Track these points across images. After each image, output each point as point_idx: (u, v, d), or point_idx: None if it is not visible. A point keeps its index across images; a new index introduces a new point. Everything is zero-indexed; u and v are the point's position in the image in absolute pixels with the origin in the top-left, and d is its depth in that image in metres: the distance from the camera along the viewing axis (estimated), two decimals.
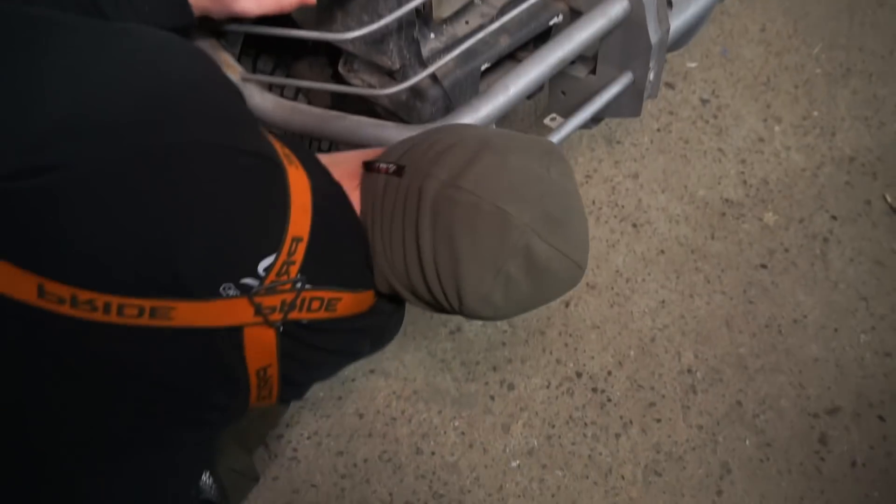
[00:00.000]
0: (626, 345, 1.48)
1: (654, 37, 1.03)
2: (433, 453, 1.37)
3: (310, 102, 1.06)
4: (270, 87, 1.02)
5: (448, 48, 0.98)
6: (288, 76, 1.14)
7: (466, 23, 1.03)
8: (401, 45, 0.90)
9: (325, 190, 0.68)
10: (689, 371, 1.45)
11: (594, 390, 1.43)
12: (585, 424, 1.39)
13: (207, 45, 0.86)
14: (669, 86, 1.84)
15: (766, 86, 1.86)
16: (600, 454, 1.36)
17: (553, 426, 1.39)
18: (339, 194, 0.71)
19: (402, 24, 0.89)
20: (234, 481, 1.19)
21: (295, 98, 1.10)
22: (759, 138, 1.77)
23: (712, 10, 1.20)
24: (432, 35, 1.01)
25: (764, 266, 1.58)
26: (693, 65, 1.89)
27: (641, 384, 1.44)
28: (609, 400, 1.42)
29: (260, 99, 0.92)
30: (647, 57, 1.04)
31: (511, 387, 1.43)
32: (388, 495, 1.33)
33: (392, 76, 0.99)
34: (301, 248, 0.63)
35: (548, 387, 1.43)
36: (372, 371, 1.45)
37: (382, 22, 0.79)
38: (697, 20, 1.16)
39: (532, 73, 0.94)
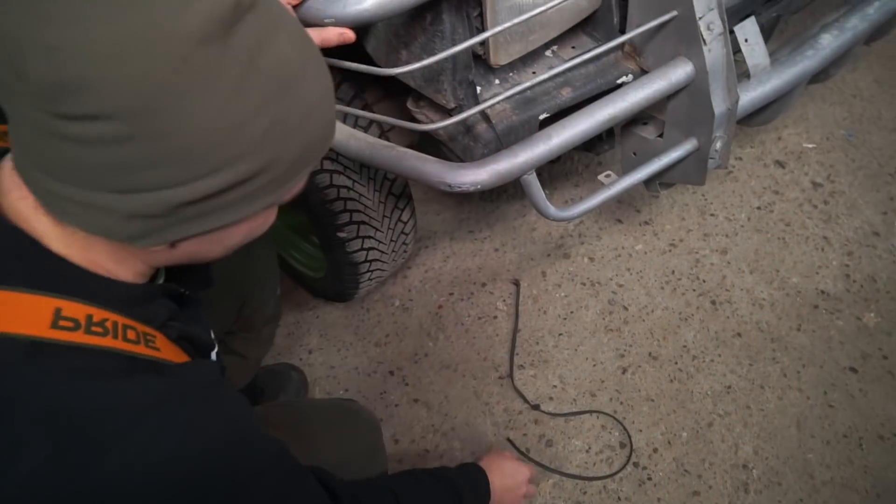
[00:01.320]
0: (679, 425, 1.40)
1: (719, 106, 1.00)
2: None
3: (386, 137, 1.14)
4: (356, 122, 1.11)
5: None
6: (368, 109, 1.23)
7: (533, 73, 1.07)
8: (454, 84, 0.95)
9: None
10: (745, 467, 1.34)
11: (636, 465, 1.36)
12: (619, 499, 1.32)
13: None
14: (779, 164, 1.75)
15: (893, 177, 1.72)
16: None
17: (584, 493, 1.34)
18: None
19: (456, 66, 0.94)
20: None
21: (380, 136, 1.17)
22: (873, 232, 1.63)
23: (800, 88, 1.14)
24: (497, 81, 1.05)
25: (854, 370, 1.44)
26: (810, 145, 1.79)
27: (688, 469, 1.35)
28: (650, 478, 1.34)
29: None
30: (710, 125, 1.02)
31: (549, 443, 1.40)
32: None
33: (451, 115, 1.04)
34: None
35: (587, 451, 1.38)
36: (416, 400, 1.48)
37: (427, 61, 0.85)
38: (781, 95, 1.11)
39: (578, 126, 0.95)
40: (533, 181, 0.96)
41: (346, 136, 1.01)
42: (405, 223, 1.33)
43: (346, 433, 1.00)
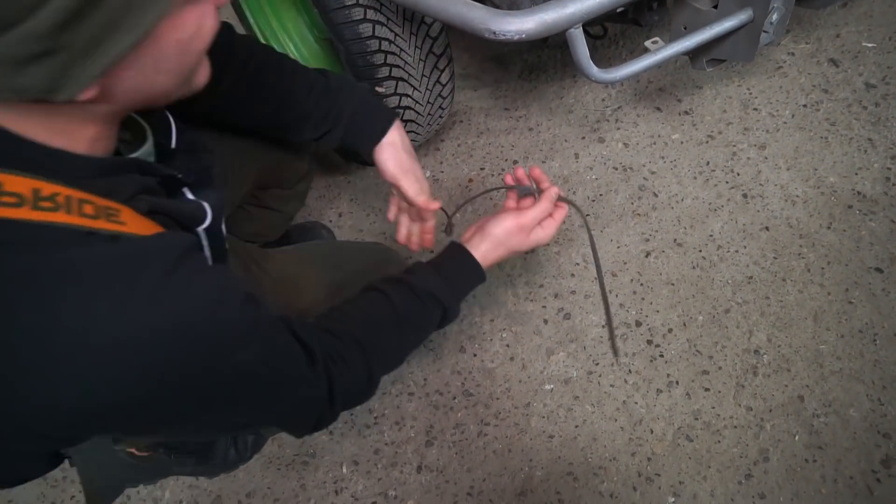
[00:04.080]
0: (696, 309, 1.43)
1: None
2: (475, 355, 1.43)
3: None
4: None
5: None
6: None
7: None
8: None
9: None
10: (756, 352, 1.38)
11: (649, 342, 1.40)
12: (629, 372, 1.38)
13: None
14: (833, 62, 1.69)
15: None
16: (636, 403, 1.35)
17: (596, 364, 1.39)
18: None
19: None
20: None
21: None
22: None
23: None
24: None
25: (879, 270, 1.44)
26: (870, 45, 1.71)
27: (700, 350, 1.39)
28: (661, 356, 1.39)
29: None
30: None
31: (567, 316, 1.44)
32: (422, 379, 1.41)
33: None
34: None
35: (603, 326, 1.43)
36: None
37: None
38: None
39: None
40: (579, 35, 0.95)
41: None
42: (443, 85, 1.32)
43: (381, 266, 1.04)
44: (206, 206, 0.71)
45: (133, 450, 0.91)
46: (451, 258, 0.94)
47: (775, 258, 1.47)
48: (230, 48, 0.86)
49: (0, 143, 0.51)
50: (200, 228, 0.71)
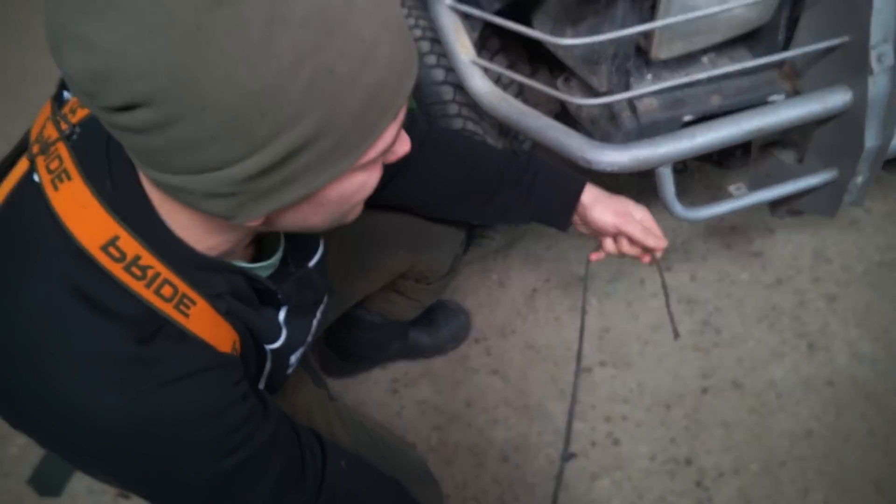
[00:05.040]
0: (750, 456, 1.39)
1: (870, 140, 1.00)
2: (517, 467, 1.41)
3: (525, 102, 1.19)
4: (498, 79, 1.17)
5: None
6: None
7: (686, 75, 1.09)
8: (612, 69, 0.99)
9: None
10: None
11: (698, 484, 1.36)
12: None
13: (452, 25, 1.03)
14: None
15: None
16: None
17: (641, 497, 1.35)
18: None
19: (618, 53, 0.98)
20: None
21: (517, 97, 1.23)
22: None
23: None
24: (649, 76, 1.09)
25: None
26: None
27: (751, 501, 1.34)
28: (709, 500, 1.34)
29: (479, 82, 1.07)
30: (856, 158, 1.01)
31: (616, 442, 1.42)
32: (462, 483, 1.39)
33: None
34: None
35: (652, 459, 1.39)
36: (495, 372, 1.53)
37: (602, 37, 0.89)
38: None
39: (724, 130, 0.97)
40: (668, 174, 0.99)
41: (498, 98, 1.06)
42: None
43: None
44: (284, 332, 0.74)
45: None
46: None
47: (838, 416, 1.43)
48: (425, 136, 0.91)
49: (143, 212, 0.57)
50: (269, 347, 0.73)
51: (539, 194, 0.93)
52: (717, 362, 1.51)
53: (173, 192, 0.53)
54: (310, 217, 0.58)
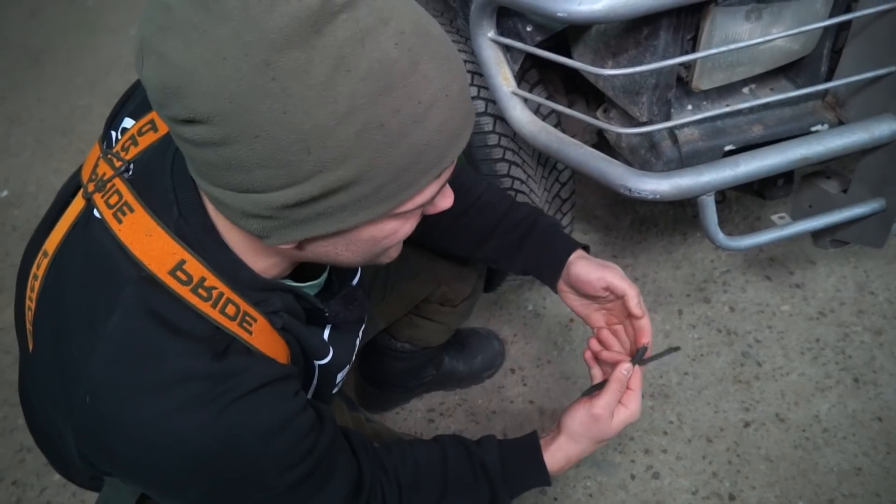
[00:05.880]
0: (796, 493, 1.35)
1: None
2: (555, 499, 1.39)
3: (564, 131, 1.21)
4: (537, 109, 1.18)
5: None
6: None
7: (727, 105, 1.10)
8: (653, 99, 1.00)
9: None
10: None
11: None
12: None
13: (493, 57, 1.05)
14: None
15: None
16: None
17: None
18: None
19: (659, 83, 0.99)
20: None
21: (556, 126, 1.24)
22: None
23: None
24: (690, 107, 1.09)
25: None
26: None
27: None
28: None
29: (520, 112, 1.09)
30: None
31: (656, 476, 1.39)
32: None
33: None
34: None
35: (694, 493, 1.36)
36: (531, 402, 1.52)
37: (643, 68, 0.90)
38: None
39: (767, 159, 0.97)
40: (710, 203, 0.99)
41: (538, 128, 1.08)
42: (564, 228, 1.39)
43: None
44: (331, 350, 0.77)
45: None
46: (519, 448, 0.87)
47: (888, 453, 1.38)
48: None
49: (207, 236, 0.61)
50: (318, 363, 0.76)
51: (530, 246, 0.93)
52: (759, 395, 1.48)
53: (218, 205, 0.56)
54: (341, 251, 0.60)
